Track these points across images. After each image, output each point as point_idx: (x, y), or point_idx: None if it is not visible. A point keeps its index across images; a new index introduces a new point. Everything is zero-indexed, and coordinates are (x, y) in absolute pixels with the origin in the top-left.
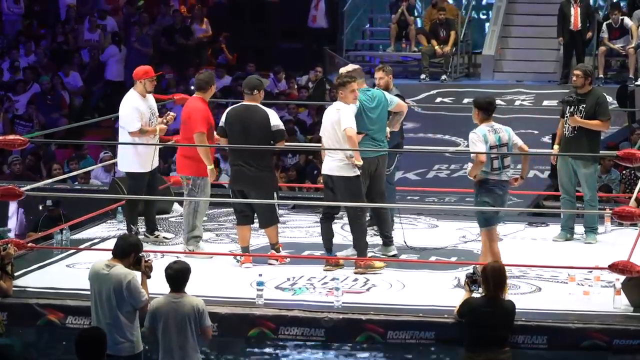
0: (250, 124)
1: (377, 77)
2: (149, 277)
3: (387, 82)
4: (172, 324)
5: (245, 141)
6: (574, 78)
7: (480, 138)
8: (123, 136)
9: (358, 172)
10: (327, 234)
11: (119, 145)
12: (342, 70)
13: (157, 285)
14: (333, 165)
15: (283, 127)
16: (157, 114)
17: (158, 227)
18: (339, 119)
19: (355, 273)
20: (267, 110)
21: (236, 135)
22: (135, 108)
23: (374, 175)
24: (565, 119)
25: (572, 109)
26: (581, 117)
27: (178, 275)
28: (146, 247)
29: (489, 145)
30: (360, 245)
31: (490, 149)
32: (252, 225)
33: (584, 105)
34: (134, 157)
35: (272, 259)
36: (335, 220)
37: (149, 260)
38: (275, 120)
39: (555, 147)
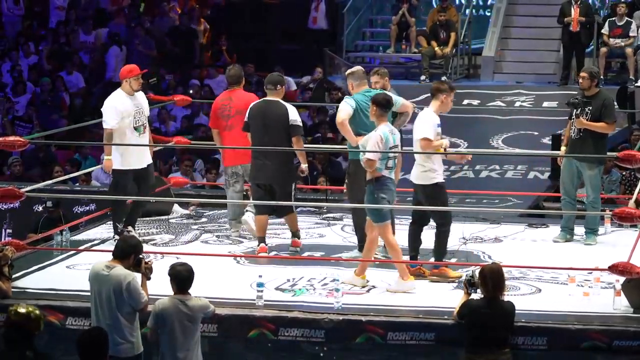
0: (270, 118)
1: (372, 81)
2: (148, 278)
3: (383, 86)
4: (177, 325)
5: (265, 135)
6: (580, 80)
7: (383, 140)
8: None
9: (438, 180)
10: (414, 240)
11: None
12: (348, 72)
13: (157, 286)
14: (415, 173)
15: (300, 124)
16: (147, 112)
17: (135, 227)
18: (414, 128)
19: (430, 279)
20: (288, 105)
21: (257, 129)
22: (113, 107)
23: None
24: (572, 120)
25: (577, 111)
26: (587, 119)
27: (183, 277)
28: (146, 248)
29: (389, 145)
30: (439, 250)
31: (391, 149)
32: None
33: (590, 108)
34: (115, 155)
35: (294, 246)
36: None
37: (149, 261)
38: (294, 115)
39: (563, 148)
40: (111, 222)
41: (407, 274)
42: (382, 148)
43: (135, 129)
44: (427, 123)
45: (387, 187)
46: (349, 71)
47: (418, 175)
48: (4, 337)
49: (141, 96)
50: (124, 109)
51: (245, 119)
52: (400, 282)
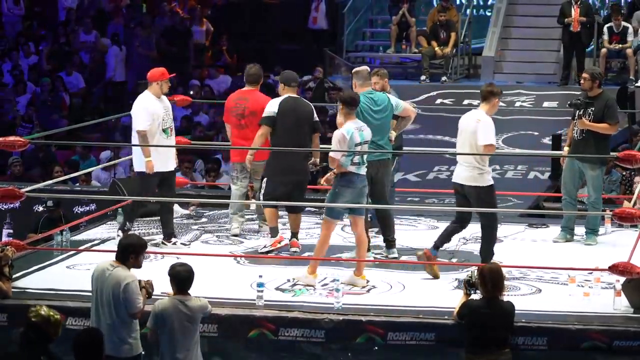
0: (301, 116)
1: (372, 82)
2: (149, 295)
3: (382, 86)
4: (177, 326)
5: (298, 131)
6: (582, 81)
7: (346, 138)
8: (134, 136)
9: (492, 182)
10: (447, 236)
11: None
12: (354, 70)
13: (157, 287)
14: (467, 174)
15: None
16: (172, 115)
17: (175, 234)
18: (476, 131)
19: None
20: (309, 102)
21: (290, 127)
22: (145, 108)
23: (375, 179)
24: (575, 121)
25: (580, 112)
26: (589, 120)
27: (183, 277)
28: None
29: (355, 142)
30: (488, 253)
31: (356, 147)
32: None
33: (593, 109)
34: (142, 158)
35: (293, 247)
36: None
37: (148, 281)
38: (314, 112)
39: (566, 149)
40: (111, 222)
41: (314, 271)
42: (345, 146)
43: (164, 130)
44: (490, 128)
45: (352, 182)
46: (355, 70)
47: (474, 177)
48: (22, 337)
49: (165, 99)
50: (154, 111)
51: (270, 114)
52: (305, 275)
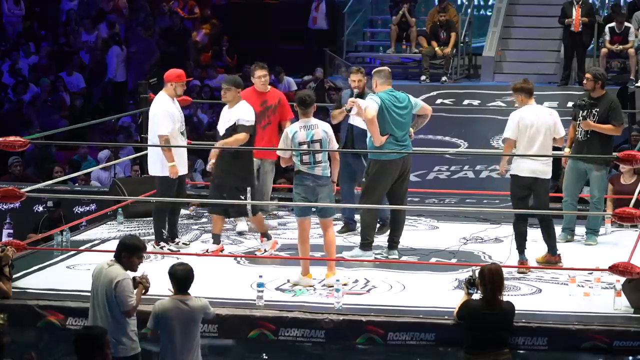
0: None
1: (355, 80)
2: (146, 290)
3: (365, 84)
4: (177, 326)
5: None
6: (584, 81)
7: (289, 136)
8: (152, 140)
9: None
10: (524, 235)
11: (149, 149)
12: (375, 70)
13: (157, 287)
14: (546, 168)
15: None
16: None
17: (178, 234)
18: (554, 124)
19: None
20: None
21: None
22: (166, 111)
23: (400, 178)
24: (577, 122)
25: (584, 113)
26: (594, 121)
27: (184, 277)
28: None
29: (299, 141)
30: (553, 241)
31: (300, 145)
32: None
33: (597, 109)
34: (164, 162)
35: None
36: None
37: (144, 275)
38: None
39: (567, 149)
40: (111, 222)
41: (307, 271)
42: (288, 144)
43: (182, 133)
44: None
45: (304, 182)
46: (376, 70)
47: (544, 170)
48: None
49: (176, 101)
50: (173, 114)
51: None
52: (300, 277)
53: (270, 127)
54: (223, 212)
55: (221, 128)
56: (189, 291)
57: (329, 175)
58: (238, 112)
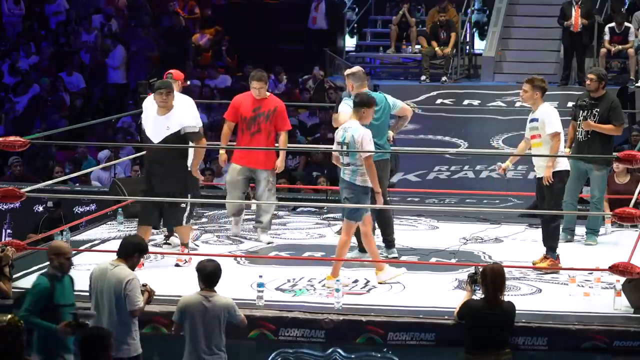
0: None
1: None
2: (149, 300)
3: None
4: (200, 322)
5: None
6: (588, 82)
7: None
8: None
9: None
10: (557, 232)
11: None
12: (348, 72)
13: (160, 288)
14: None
15: None
16: None
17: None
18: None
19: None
20: None
21: None
22: (191, 107)
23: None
24: (578, 122)
25: (585, 113)
26: (595, 121)
27: (211, 273)
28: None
29: (336, 140)
30: (554, 242)
31: (337, 145)
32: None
33: (598, 110)
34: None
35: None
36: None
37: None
38: None
39: (567, 150)
40: (111, 222)
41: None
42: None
43: None
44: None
45: (340, 184)
46: (348, 71)
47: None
48: None
49: None
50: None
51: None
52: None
53: (259, 135)
54: (153, 223)
55: (155, 136)
56: (214, 288)
57: (356, 181)
58: (178, 119)
